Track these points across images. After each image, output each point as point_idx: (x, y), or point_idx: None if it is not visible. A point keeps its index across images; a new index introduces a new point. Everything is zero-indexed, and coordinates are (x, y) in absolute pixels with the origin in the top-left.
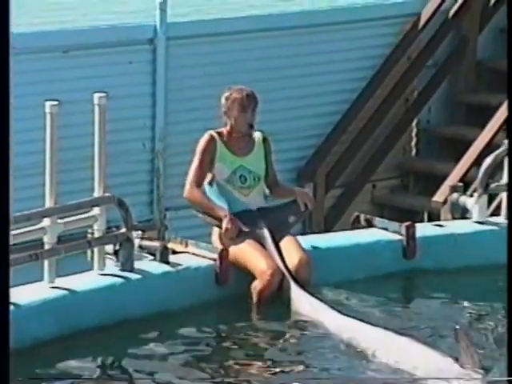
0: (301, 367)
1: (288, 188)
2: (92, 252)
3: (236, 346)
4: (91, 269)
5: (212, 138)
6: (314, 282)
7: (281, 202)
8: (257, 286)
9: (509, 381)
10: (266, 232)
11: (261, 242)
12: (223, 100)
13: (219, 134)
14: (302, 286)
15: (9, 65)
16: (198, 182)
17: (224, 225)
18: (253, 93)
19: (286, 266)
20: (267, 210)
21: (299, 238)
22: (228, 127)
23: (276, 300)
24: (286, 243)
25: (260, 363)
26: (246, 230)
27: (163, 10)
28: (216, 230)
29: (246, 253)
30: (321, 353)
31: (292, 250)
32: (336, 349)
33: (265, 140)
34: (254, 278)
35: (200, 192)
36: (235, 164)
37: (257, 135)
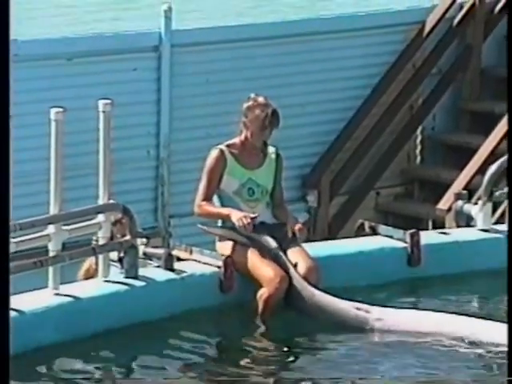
0: (306, 374)
1: (286, 214)
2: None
3: (241, 354)
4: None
5: (221, 155)
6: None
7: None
8: (264, 293)
9: (509, 381)
10: (272, 241)
11: (266, 252)
12: (245, 109)
13: (230, 146)
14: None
15: (9, 69)
16: (206, 198)
17: (235, 222)
18: (276, 112)
19: (299, 275)
20: (269, 225)
21: (304, 245)
22: (243, 137)
23: (282, 308)
24: (294, 252)
25: (265, 369)
26: (254, 215)
27: (168, 18)
28: (221, 239)
29: (253, 261)
30: (330, 359)
31: (300, 258)
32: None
33: (278, 156)
34: (259, 286)
35: (208, 204)
36: (244, 177)
37: (270, 149)
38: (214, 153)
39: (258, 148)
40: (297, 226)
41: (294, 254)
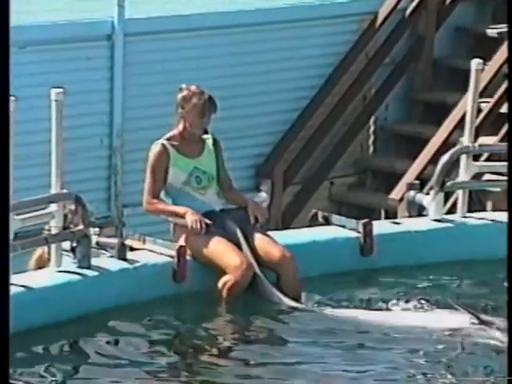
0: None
1: (242, 197)
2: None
3: (194, 342)
4: None
5: (164, 149)
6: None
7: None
8: (229, 280)
9: (509, 381)
10: (237, 230)
11: (230, 239)
12: (180, 100)
13: (170, 138)
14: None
15: (9, 62)
16: (155, 194)
17: (189, 223)
18: (212, 98)
19: (258, 265)
20: (229, 210)
21: (270, 233)
22: (181, 128)
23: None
24: (261, 240)
25: (221, 356)
26: (210, 222)
27: (121, 7)
28: (177, 228)
29: (218, 249)
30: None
31: (269, 247)
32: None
33: (215, 142)
34: (221, 273)
35: (160, 202)
36: (190, 166)
37: (206, 136)
38: (156, 148)
39: (198, 136)
40: (259, 210)
41: (262, 243)
